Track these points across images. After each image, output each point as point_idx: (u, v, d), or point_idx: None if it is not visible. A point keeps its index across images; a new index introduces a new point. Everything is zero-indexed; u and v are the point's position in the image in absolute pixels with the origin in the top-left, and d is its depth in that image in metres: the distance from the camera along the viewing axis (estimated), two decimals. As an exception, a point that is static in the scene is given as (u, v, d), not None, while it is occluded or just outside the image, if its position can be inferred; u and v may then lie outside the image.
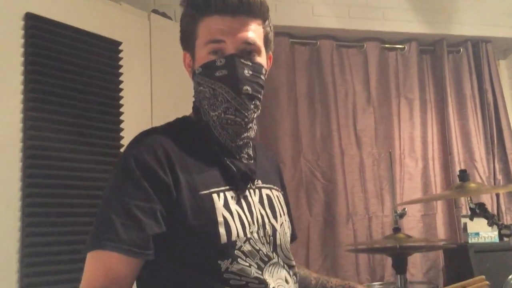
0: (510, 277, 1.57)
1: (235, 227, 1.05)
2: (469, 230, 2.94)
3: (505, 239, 2.77)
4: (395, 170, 3.13)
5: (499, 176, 3.32)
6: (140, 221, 0.99)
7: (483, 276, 1.29)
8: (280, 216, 1.19)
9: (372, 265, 3.01)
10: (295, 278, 1.17)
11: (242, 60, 1.10)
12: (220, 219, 1.04)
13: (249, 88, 1.10)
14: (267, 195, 1.18)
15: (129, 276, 1.01)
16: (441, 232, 3.15)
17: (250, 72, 1.11)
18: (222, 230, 1.04)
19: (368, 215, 3.09)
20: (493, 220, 1.91)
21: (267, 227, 1.13)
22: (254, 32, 1.12)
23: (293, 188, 3.00)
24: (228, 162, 1.12)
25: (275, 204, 1.19)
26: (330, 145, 3.10)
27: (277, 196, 1.22)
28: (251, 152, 1.19)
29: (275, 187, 1.24)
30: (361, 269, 2.98)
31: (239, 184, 1.11)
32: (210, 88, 1.11)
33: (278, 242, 1.15)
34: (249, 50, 1.12)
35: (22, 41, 2.01)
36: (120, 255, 0.98)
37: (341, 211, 3.04)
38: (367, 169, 3.14)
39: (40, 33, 2.06)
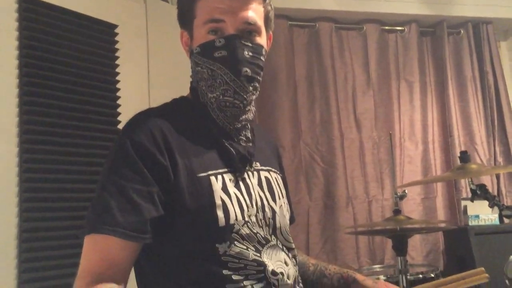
0: (511, 257, 1.56)
1: (233, 210, 1.04)
2: (469, 212, 2.94)
3: (506, 220, 2.78)
4: (395, 153, 3.12)
5: (500, 159, 3.31)
6: (138, 204, 0.98)
7: (483, 268, 1.27)
8: (279, 198, 1.18)
9: (372, 248, 3.01)
10: (294, 261, 1.16)
11: (242, 41, 1.08)
12: (218, 201, 1.03)
13: (248, 70, 1.08)
14: (266, 178, 1.17)
15: (127, 260, 1.00)
16: (441, 215, 3.14)
17: (250, 54, 1.08)
18: (220, 213, 1.02)
19: (368, 198, 3.08)
20: (494, 201, 1.90)
21: (267, 209, 1.12)
22: (255, 11, 1.09)
23: (292, 172, 2.98)
24: (226, 144, 1.10)
25: (274, 187, 1.18)
26: (329, 128, 3.08)
27: (275, 179, 1.20)
28: (249, 135, 1.17)
29: (273, 169, 1.22)
30: (361, 253, 2.97)
31: (238, 167, 1.10)
32: (209, 69, 1.09)
33: (277, 224, 1.14)
34: (249, 30, 1.09)
35: (16, 24, 1.98)
36: (117, 239, 0.96)
37: (341, 195, 3.03)
38: (367, 152, 3.13)
39: (35, 16, 2.03)
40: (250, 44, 1.08)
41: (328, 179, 3.05)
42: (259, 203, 1.10)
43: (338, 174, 3.04)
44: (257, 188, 1.12)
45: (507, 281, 1.52)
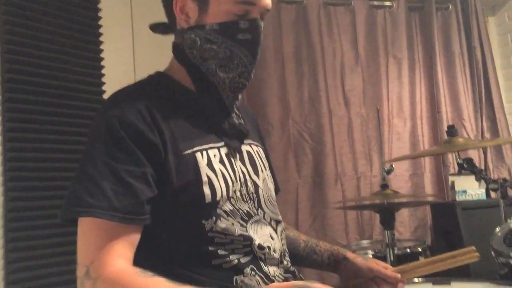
0: (497, 229, 1.57)
1: (220, 186, 1.04)
2: (457, 188, 2.95)
3: (493, 195, 2.81)
4: (383, 130, 3.12)
5: (487, 134, 3.33)
6: (132, 186, 0.96)
7: (473, 247, 1.28)
8: (262, 171, 1.17)
9: (361, 225, 3.02)
10: (281, 234, 1.16)
11: (261, 26, 1.08)
12: (205, 178, 1.02)
13: (259, 53, 1.09)
14: (247, 152, 1.16)
15: (130, 242, 0.98)
16: (429, 191, 3.16)
17: (262, 38, 1.09)
18: (206, 189, 1.02)
19: (356, 175, 3.09)
20: (481, 175, 1.91)
21: (249, 184, 1.11)
22: None
23: (281, 150, 2.97)
24: (228, 122, 1.11)
25: (256, 160, 1.17)
26: (318, 106, 3.07)
27: (257, 152, 1.20)
28: (236, 111, 1.17)
29: (254, 142, 1.22)
30: (350, 229, 2.99)
31: (236, 145, 1.11)
32: (227, 49, 1.06)
33: (261, 198, 1.13)
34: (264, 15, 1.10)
35: (-5, -1, 1.94)
36: (116, 224, 0.95)
37: (329, 172, 3.03)
38: (355, 129, 3.13)
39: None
40: (262, 29, 1.09)
41: (317, 157, 3.05)
42: (242, 178, 1.10)
43: (326, 151, 3.04)
44: (239, 163, 1.12)
45: (493, 253, 1.53)
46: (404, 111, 3.23)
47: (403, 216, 3.05)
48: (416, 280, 1.56)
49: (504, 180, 1.80)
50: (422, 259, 1.40)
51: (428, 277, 1.50)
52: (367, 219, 3.02)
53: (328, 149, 3.04)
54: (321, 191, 3.01)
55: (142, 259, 1.03)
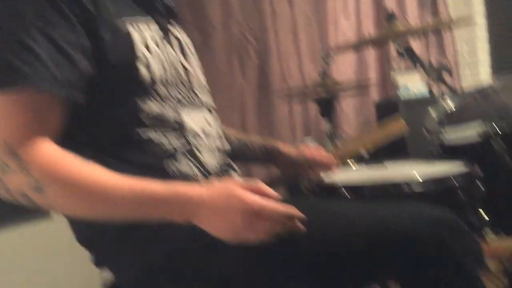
0: (430, 109, 1.59)
1: (156, 68, 0.97)
2: (400, 84, 2.98)
3: (435, 91, 2.86)
4: (328, 29, 3.06)
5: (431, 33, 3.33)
6: (72, 57, 0.86)
7: (399, 116, 1.28)
8: (191, 58, 1.12)
9: (307, 125, 3.03)
10: (217, 121, 1.13)
11: None
12: (141, 56, 0.95)
13: None
14: (175, 36, 1.10)
15: (60, 122, 0.89)
16: (374, 89, 3.18)
17: None
18: (143, 69, 0.95)
19: (302, 76, 3.05)
20: (420, 63, 1.91)
21: (180, 70, 1.06)
22: None
23: (225, 52, 2.87)
24: None
25: (183, 44, 1.12)
26: (260, 4, 2.94)
27: (184, 39, 1.13)
28: None
29: (178, 24, 1.15)
30: (297, 129, 3.00)
31: (164, 22, 1.05)
32: None
33: (194, 84, 1.09)
34: None
35: None
36: (54, 96, 0.85)
37: (275, 75, 2.97)
38: (300, 29, 3.04)
39: None
40: None
41: (262, 59, 2.97)
42: (173, 61, 1.05)
43: (271, 53, 2.96)
44: (168, 46, 1.06)
45: (425, 132, 1.56)
46: (349, 9, 3.16)
47: (348, 113, 3.07)
48: (353, 167, 1.59)
49: (441, 65, 1.80)
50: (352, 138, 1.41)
51: (363, 161, 1.53)
52: (314, 120, 3.02)
53: (273, 50, 2.96)
54: (267, 94, 2.97)
55: (60, 145, 0.95)
